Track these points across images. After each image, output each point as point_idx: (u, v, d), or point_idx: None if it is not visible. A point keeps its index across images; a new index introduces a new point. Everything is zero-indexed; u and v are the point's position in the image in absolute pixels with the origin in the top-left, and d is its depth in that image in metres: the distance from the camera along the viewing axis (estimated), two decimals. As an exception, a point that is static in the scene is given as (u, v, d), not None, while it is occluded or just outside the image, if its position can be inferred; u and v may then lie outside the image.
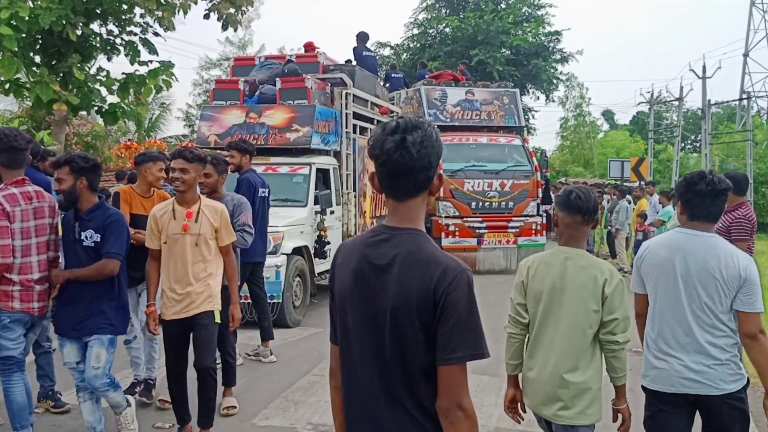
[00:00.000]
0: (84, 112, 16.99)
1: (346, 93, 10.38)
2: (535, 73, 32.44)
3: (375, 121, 11.96)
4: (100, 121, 16.64)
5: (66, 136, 16.01)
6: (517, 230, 13.88)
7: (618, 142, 39.74)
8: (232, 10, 15.89)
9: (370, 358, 1.95)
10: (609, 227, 16.03)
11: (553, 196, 18.95)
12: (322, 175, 9.72)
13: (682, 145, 37.37)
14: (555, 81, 34.12)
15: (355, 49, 13.48)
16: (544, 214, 15.15)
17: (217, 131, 9.78)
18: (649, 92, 34.88)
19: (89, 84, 15.02)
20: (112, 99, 15.98)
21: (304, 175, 9.35)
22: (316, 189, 9.25)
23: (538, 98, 35.18)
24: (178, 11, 15.14)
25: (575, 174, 36.34)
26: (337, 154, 10.31)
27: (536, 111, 36.43)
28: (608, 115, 52.27)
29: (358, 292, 1.98)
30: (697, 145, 43.82)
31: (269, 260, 7.81)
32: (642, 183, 17.87)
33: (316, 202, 9.10)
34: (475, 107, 15.32)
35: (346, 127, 10.38)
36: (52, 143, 12.10)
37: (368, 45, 14.61)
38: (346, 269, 2.03)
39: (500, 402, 5.55)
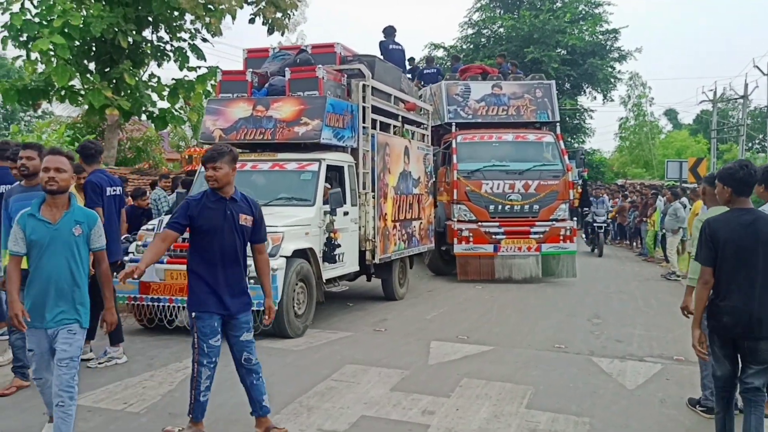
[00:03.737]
0: (138, 117, 17.42)
1: (364, 85, 9.60)
2: (591, 72, 31.77)
3: (399, 117, 11.10)
4: (153, 126, 17.04)
5: (119, 140, 16.41)
6: (541, 236, 12.65)
7: (679, 143, 38.45)
8: (278, 15, 16.03)
9: (747, 267, 4.02)
10: (663, 230, 15.47)
11: (599, 199, 17.93)
12: (337, 174, 9.07)
13: (749, 144, 35.93)
14: (613, 80, 33.32)
15: (381, 43, 12.85)
16: (576, 219, 14.24)
17: (222, 125, 9.15)
18: (711, 90, 33.64)
19: (140, 90, 15.39)
20: (163, 104, 16.36)
21: (313, 171, 8.62)
22: (330, 187, 8.56)
23: (594, 98, 34.42)
24: (225, 16, 15.36)
25: (634, 175, 35.39)
26: (354, 152, 9.57)
27: (593, 111, 35.64)
28: (671, 114, 50.72)
29: (738, 237, 4.03)
30: (766, 144, 42.04)
31: None
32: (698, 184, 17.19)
33: (326, 202, 8.40)
34: (502, 102, 14.12)
35: (364, 122, 9.60)
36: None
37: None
38: (727, 228, 4.07)
39: (521, 412, 5.36)
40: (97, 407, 5.24)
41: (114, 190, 6.57)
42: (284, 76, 9.22)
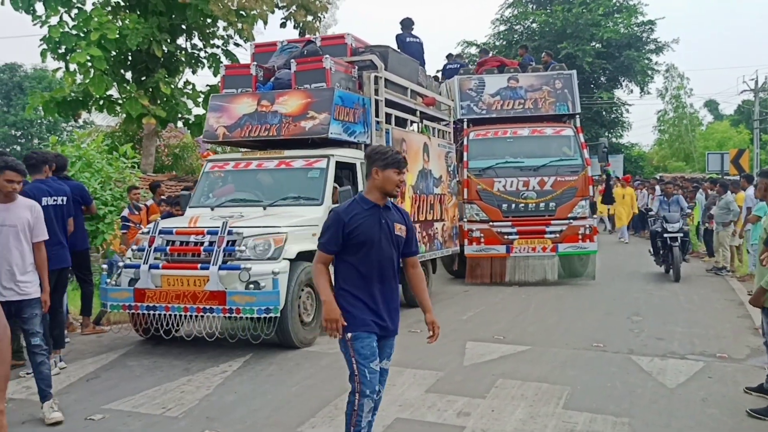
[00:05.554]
0: (174, 125, 17.70)
1: (377, 77, 9.01)
2: (627, 65, 31.34)
3: (417, 112, 10.46)
4: (189, 132, 17.29)
5: (156, 148, 16.69)
6: (557, 235, 11.93)
7: (720, 134, 37.61)
8: (309, 18, 16.16)
9: None
10: (705, 224, 15.08)
11: (672, 198, 16.23)
12: (349, 171, 8.62)
13: (793, 134, 34.98)
14: (650, 72, 32.80)
15: (398, 36, 12.17)
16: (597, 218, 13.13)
17: (225, 123, 8.65)
18: (753, 79, 32.83)
19: (176, 97, 15.65)
20: (198, 111, 16.59)
21: (321, 168, 8.09)
22: (341, 186, 8.08)
23: (631, 91, 33.92)
24: (257, 21, 15.54)
25: (673, 168, 34.71)
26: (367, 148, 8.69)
27: (630, 105, 35.12)
28: (711, 105, 49.63)
29: None
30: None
31: (265, 267, 6.78)
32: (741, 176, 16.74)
33: (336, 201, 7.84)
34: (518, 95, 13.39)
35: (377, 117, 9.03)
36: (134, 156, 12.59)
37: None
38: None
39: (558, 412, 5.30)
40: (136, 412, 5.33)
41: (54, 200, 6.49)
42: (290, 68, 8.76)
